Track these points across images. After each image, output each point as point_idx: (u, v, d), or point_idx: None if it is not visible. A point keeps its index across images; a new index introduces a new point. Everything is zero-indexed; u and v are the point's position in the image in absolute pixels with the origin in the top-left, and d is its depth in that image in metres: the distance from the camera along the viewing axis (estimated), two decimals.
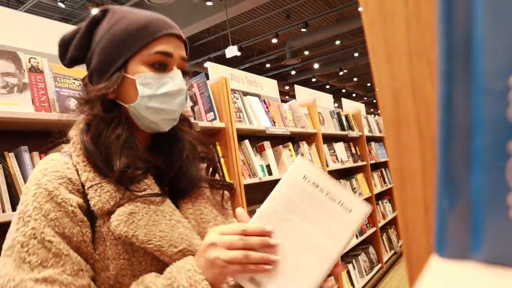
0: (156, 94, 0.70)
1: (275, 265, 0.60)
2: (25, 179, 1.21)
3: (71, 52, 0.76)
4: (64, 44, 0.77)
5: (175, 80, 0.72)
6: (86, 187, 0.65)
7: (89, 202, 0.65)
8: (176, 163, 0.76)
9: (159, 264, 0.66)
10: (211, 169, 0.84)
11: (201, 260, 0.62)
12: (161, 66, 0.71)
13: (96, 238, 0.65)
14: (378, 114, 7.02)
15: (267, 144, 2.51)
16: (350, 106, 4.69)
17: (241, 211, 0.66)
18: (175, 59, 0.73)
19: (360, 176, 3.94)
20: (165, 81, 0.71)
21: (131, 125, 0.73)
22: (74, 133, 0.71)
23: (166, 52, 0.71)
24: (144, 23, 0.70)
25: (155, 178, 0.72)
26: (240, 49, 8.73)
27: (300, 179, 0.62)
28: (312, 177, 0.62)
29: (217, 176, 0.85)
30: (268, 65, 12.58)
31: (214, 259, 0.60)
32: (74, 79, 1.43)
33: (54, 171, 0.64)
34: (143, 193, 0.67)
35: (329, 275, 0.63)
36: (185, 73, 0.75)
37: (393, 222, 4.67)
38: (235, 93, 2.29)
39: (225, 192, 0.84)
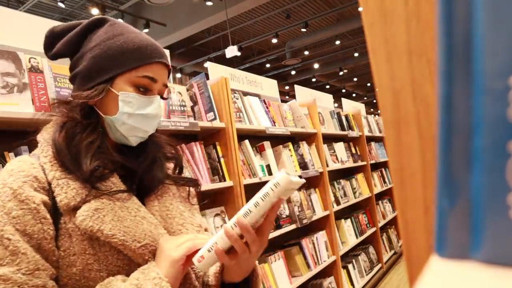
0: (134, 113, 0.75)
1: None
2: None
3: (58, 47, 0.79)
4: (52, 36, 0.80)
5: (154, 104, 0.78)
6: (52, 185, 0.68)
7: (56, 198, 0.67)
8: (143, 163, 0.80)
9: (125, 258, 0.69)
10: (178, 169, 0.89)
11: (160, 258, 0.68)
12: (145, 89, 0.76)
13: (61, 234, 0.67)
14: (378, 114, 7.02)
15: (267, 144, 2.51)
16: (350, 106, 4.69)
17: None
18: (158, 85, 0.78)
19: (360, 176, 3.94)
20: (145, 104, 0.77)
21: (104, 131, 0.77)
22: (41, 137, 0.75)
23: (152, 78, 0.76)
24: (140, 46, 0.75)
25: (124, 178, 0.75)
26: (240, 49, 8.72)
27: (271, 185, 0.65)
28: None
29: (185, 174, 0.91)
30: (268, 65, 12.58)
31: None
32: None
33: (19, 171, 0.67)
34: (109, 190, 0.71)
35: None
36: (162, 98, 0.82)
37: (393, 222, 4.67)
38: (235, 93, 2.29)
39: (191, 189, 0.88)
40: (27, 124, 1.29)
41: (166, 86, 0.81)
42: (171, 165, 0.89)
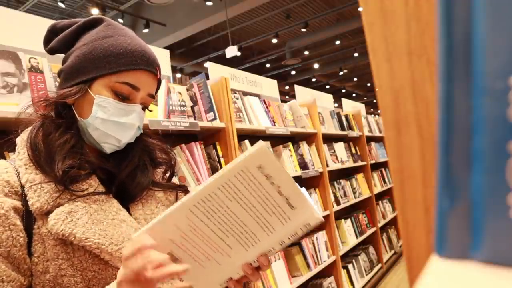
0: (108, 119, 0.72)
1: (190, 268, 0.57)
2: None
3: (54, 43, 0.78)
4: (53, 32, 0.80)
5: (131, 114, 0.74)
6: (26, 189, 0.65)
7: (28, 203, 0.64)
8: (126, 169, 0.77)
9: (100, 262, 0.65)
10: (168, 174, 0.86)
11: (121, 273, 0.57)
12: (123, 96, 0.73)
13: (34, 240, 0.64)
14: (378, 114, 7.02)
15: (267, 144, 2.51)
16: (350, 106, 4.69)
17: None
18: (141, 94, 0.75)
19: (360, 176, 3.94)
20: (122, 112, 0.73)
21: (79, 132, 0.75)
22: (19, 139, 0.73)
23: (133, 85, 0.73)
24: (126, 51, 0.72)
25: (105, 182, 0.73)
26: (240, 49, 8.72)
27: (254, 168, 0.55)
28: (267, 168, 0.55)
29: (175, 180, 0.88)
30: (268, 65, 12.58)
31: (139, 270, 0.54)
32: None
33: None
34: (84, 192, 0.68)
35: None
36: (145, 109, 0.78)
37: (393, 222, 4.67)
38: (235, 93, 2.29)
39: (180, 193, 0.85)
40: (27, 124, 1.30)
41: (152, 97, 0.77)
42: (160, 171, 0.85)
